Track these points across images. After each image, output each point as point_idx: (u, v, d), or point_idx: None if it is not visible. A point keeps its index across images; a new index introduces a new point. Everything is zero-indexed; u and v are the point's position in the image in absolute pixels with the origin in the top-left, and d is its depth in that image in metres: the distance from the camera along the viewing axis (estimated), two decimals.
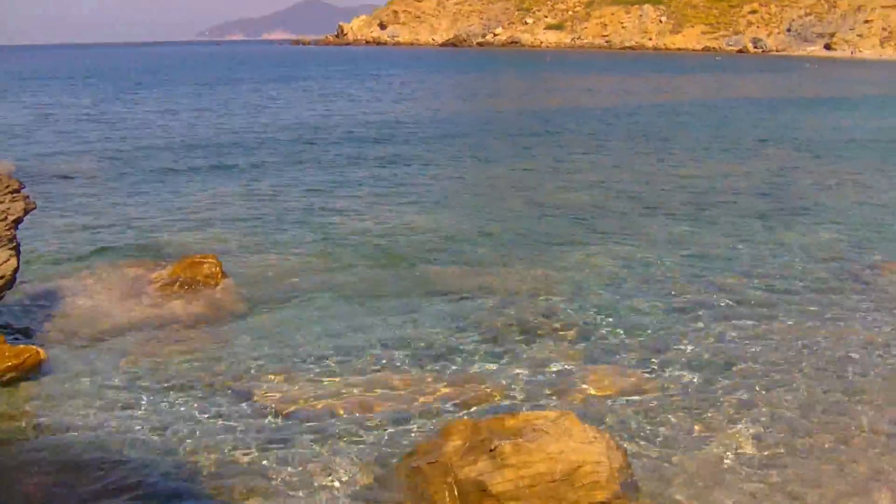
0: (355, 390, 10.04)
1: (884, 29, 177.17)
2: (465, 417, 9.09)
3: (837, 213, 19.95)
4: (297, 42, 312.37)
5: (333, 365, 10.80)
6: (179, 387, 10.22)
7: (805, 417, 9.51)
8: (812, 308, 13.08)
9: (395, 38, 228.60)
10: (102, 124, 39.19)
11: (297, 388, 10.10)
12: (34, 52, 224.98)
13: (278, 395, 9.96)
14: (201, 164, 26.97)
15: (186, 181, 24.04)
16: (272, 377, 10.42)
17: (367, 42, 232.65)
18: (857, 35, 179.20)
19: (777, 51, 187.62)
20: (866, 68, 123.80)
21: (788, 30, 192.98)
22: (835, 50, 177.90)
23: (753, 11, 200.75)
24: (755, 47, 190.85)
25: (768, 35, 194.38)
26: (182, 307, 12.78)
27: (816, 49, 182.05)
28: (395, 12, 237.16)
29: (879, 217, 19.67)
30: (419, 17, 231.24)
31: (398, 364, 10.86)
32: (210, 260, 14.06)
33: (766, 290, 13.91)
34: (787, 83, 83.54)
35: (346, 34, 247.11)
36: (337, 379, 10.39)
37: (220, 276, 13.78)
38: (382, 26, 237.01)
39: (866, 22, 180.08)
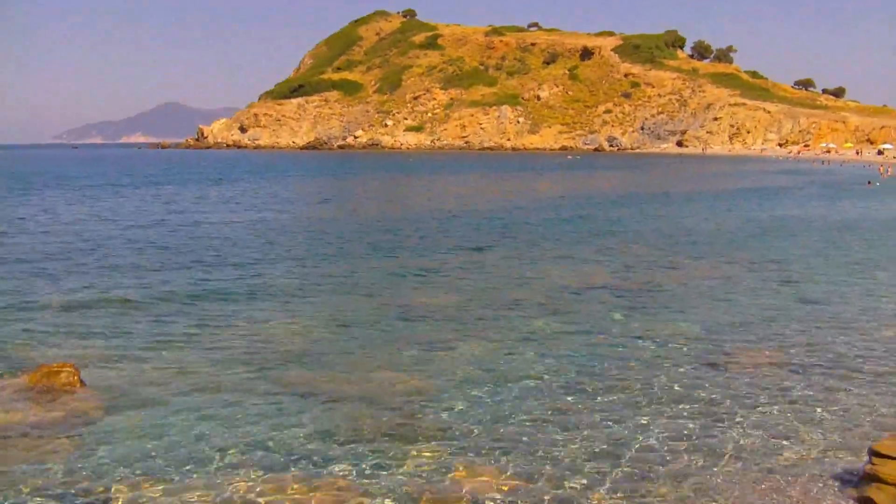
0: (216, 499, 9.73)
1: (731, 125, 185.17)
2: None
3: (691, 304, 20.42)
4: (156, 145, 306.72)
5: (194, 473, 10.42)
6: (34, 500, 9.70)
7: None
8: (669, 397, 13.23)
9: (256, 142, 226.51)
10: None
11: (156, 497, 9.75)
12: None
13: None
14: (54, 271, 25.27)
15: (39, 288, 22.56)
16: (131, 487, 10.03)
17: (228, 145, 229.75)
18: (707, 132, 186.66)
19: (631, 148, 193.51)
20: (716, 163, 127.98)
21: (642, 128, 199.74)
22: (686, 146, 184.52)
23: (608, 111, 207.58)
24: (611, 145, 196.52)
25: (623, 133, 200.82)
26: (38, 417, 12.34)
27: (669, 146, 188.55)
28: (256, 115, 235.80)
29: (730, 305, 20.13)
30: (280, 121, 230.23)
31: (261, 471, 10.48)
32: (67, 368, 13.75)
33: (621, 383, 13.95)
34: (644, 179, 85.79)
35: (206, 137, 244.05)
36: (198, 488, 10.01)
37: (77, 384, 13.55)
38: (243, 129, 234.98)
39: (715, 119, 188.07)
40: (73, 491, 9.94)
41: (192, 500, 9.74)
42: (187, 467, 10.59)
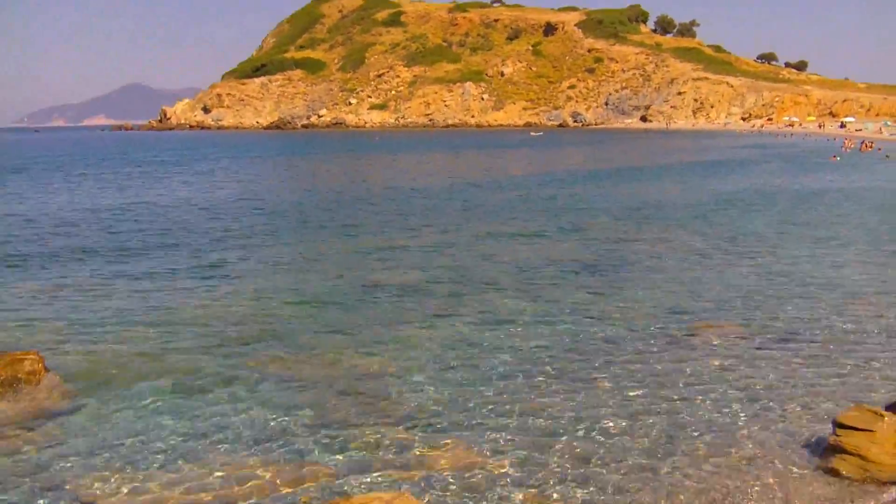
0: (185, 483, 9.72)
1: (695, 100, 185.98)
2: None
3: (656, 279, 20.48)
4: (119, 127, 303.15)
5: (161, 459, 10.38)
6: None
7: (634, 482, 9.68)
8: (633, 373, 13.30)
9: (220, 122, 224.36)
10: None
11: (122, 486, 9.69)
12: None
13: (102, 494, 9.51)
14: (11, 258, 24.82)
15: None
16: (96, 475, 9.94)
17: (191, 126, 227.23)
18: (671, 107, 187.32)
19: (596, 124, 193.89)
20: (680, 137, 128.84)
21: (606, 103, 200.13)
22: (650, 121, 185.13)
23: (572, 87, 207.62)
24: (575, 121, 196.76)
25: (587, 109, 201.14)
26: (2, 407, 12.17)
27: (633, 121, 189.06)
28: (219, 95, 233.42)
29: (695, 280, 20.28)
30: (243, 101, 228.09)
31: (228, 453, 10.50)
32: (31, 356, 13.39)
33: (588, 358, 14.06)
34: (609, 155, 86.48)
35: (169, 118, 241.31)
36: (165, 473, 9.99)
37: (42, 372, 13.28)
38: (206, 110, 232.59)
39: (679, 94, 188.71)
40: (38, 483, 9.81)
41: (161, 487, 9.64)
42: (154, 454, 10.49)
